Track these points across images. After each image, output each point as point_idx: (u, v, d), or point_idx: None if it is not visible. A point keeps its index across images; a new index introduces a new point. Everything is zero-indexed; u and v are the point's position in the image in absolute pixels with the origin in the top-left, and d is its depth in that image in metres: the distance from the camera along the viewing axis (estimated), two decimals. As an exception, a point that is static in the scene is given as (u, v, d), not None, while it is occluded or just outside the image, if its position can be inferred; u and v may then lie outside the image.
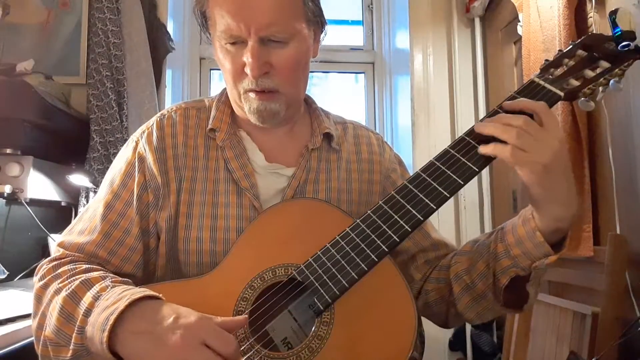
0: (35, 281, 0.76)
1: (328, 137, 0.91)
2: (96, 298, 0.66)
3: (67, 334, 0.66)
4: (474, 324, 0.89)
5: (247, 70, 0.77)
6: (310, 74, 0.89)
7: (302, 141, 0.90)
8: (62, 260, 0.77)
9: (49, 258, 0.79)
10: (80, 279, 0.70)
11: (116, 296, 0.65)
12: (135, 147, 0.85)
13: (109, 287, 0.68)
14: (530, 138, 0.67)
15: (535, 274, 0.75)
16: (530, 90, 0.77)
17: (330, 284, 0.69)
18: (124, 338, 0.61)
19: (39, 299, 0.73)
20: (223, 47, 0.80)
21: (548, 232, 0.71)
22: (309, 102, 0.97)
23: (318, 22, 0.85)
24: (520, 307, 0.79)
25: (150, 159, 0.83)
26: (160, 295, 0.66)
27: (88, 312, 0.65)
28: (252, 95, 0.80)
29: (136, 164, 0.83)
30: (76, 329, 0.65)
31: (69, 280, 0.72)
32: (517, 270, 0.74)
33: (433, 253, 0.91)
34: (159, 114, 0.89)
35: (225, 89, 0.90)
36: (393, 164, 0.97)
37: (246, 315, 0.68)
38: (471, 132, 0.74)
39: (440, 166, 0.72)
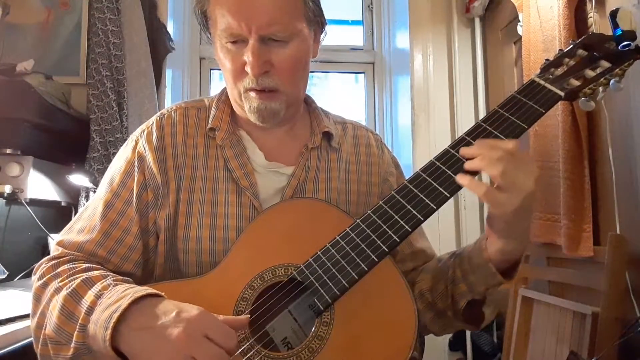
0: (34, 280, 0.76)
1: (328, 136, 0.91)
2: (98, 296, 0.66)
3: (68, 332, 0.66)
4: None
5: (248, 69, 0.78)
6: (310, 74, 0.90)
7: (302, 140, 0.90)
8: (61, 259, 0.77)
9: (48, 257, 0.79)
10: (81, 278, 0.70)
11: (119, 294, 0.65)
12: (135, 146, 0.85)
13: (111, 286, 0.68)
14: (510, 178, 0.65)
15: (490, 298, 0.78)
16: (530, 90, 0.77)
17: (330, 284, 0.69)
18: (126, 335, 0.61)
19: (37, 298, 0.73)
20: (224, 46, 0.80)
21: (499, 262, 0.74)
22: (308, 101, 0.97)
23: (318, 22, 0.85)
24: (478, 325, 0.81)
25: (149, 158, 0.83)
26: (163, 293, 0.66)
27: (90, 310, 0.65)
28: (252, 94, 0.81)
29: (136, 163, 0.83)
30: (78, 327, 0.65)
31: (69, 279, 0.72)
32: (473, 295, 0.77)
33: (411, 263, 0.92)
34: (158, 114, 0.89)
35: (225, 88, 0.90)
36: (391, 167, 0.97)
37: (248, 315, 0.68)
38: (471, 132, 0.74)
39: (441, 166, 0.72)
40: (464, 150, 0.71)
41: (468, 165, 0.69)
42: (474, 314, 0.80)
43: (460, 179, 0.69)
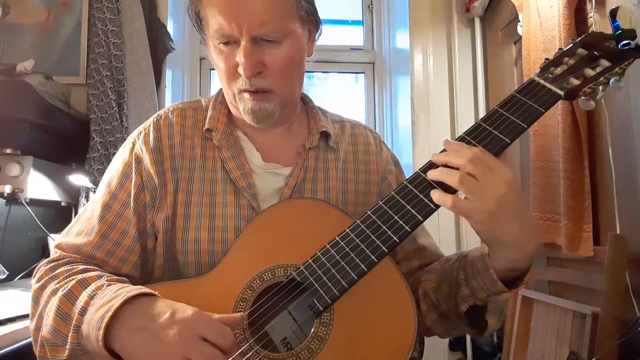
0: (33, 283, 0.76)
1: (325, 135, 0.91)
2: (91, 297, 0.66)
3: (64, 334, 0.66)
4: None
5: (240, 70, 0.77)
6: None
7: (300, 140, 0.90)
8: (60, 261, 0.77)
9: (47, 260, 0.79)
10: (76, 279, 0.70)
11: (112, 294, 0.65)
12: (132, 148, 0.85)
13: (105, 286, 0.68)
14: (473, 183, 0.64)
15: (491, 307, 0.75)
16: (530, 89, 0.76)
17: (329, 284, 0.69)
18: (120, 335, 0.61)
19: (36, 300, 0.73)
20: (216, 47, 0.80)
21: (503, 270, 0.70)
22: (305, 101, 0.96)
23: (312, 21, 0.84)
24: (482, 332, 0.78)
25: (147, 160, 0.83)
26: (156, 292, 0.66)
27: (84, 311, 0.65)
28: (246, 95, 0.80)
29: (133, 165, 0.83)
30: (72, 328, 0.65)
31: (65, 280, 0.72)
32: (475, 300, 0.74)
33: (417, 262, 0.91)
34: (155, 115, 0.89)
35: (222, 89, 0.89)
36: (389, 165, 0.97)
37: (242, 313, 0.68)
38: (471, 132, 0.74)
39: (440, 165, 0.72)
40: (434, 157, 0.70)
41: (429, 175, 0.69)
42: (477, 320, 0.78)
43: (432, 193, 0.67)
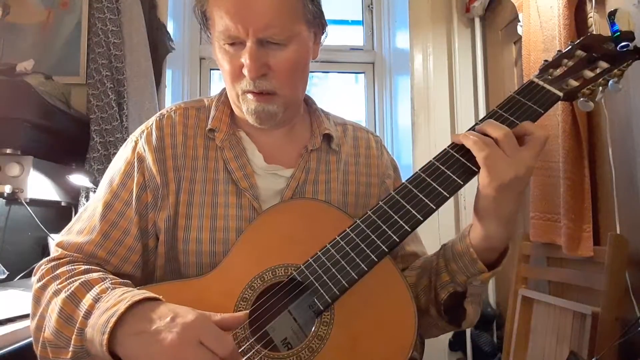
0: (34, 282, 0.76)
1: (328, 138, 0.91)
2: (96, 300, 0.66)
3: (67, 336, 0.66)
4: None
5: (245, 71, 0.77)
6: (310, 74, 0.89)
7: (302, 142, 0.90)
8: (61, 260, 0.77)
9: (48, 258, 0.79)
10: (79, 280, 0.70)
11: (116, 298, 0.65)
12: (135, 147, 0.85)
13: (109, 289, 0.68)
14: (501, 154, 0.68)
15: (471, 291, 0.77)
16: (529, 90, 0.77)
17: (330, 284, 0.69)
18: (123, 340, 0.61)
19: (37, 300, 0.73)
20: (222, 47, 0.80)
21: (481, 250, 0.74)
22: (308, 102, 0.97)
23: (318, 23, 0.84)
24: (460, 324, 0.81)
25: (149, 159, 0.83)
26: (161, 297, 0.66)
27: (88, 314, 0.65)
28: (249, 96, 0.80)
29: (135, 164, 0.83)
30: (76, 330, 0.65)
31: (68, 281, 0.71)
32: (455, 286, 0.76)
33: (401, 265, 0.91)
34: (158, 114, 0.89)
35: (224, 88, 0.90)
36: (389, 170, 0.97)
37: (246, 312, 0.68)
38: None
39: (440, 166, 0.72)
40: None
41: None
42: (456, 310, 0.79)
43: (462, 138, 0.71)
